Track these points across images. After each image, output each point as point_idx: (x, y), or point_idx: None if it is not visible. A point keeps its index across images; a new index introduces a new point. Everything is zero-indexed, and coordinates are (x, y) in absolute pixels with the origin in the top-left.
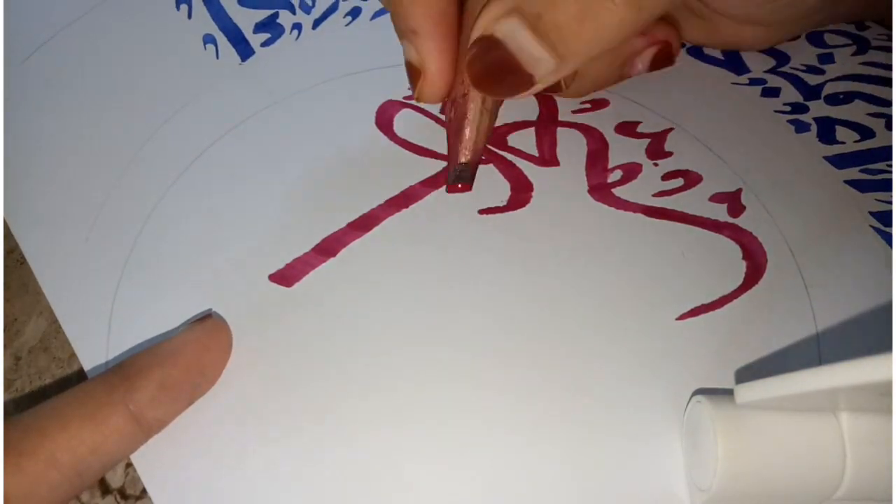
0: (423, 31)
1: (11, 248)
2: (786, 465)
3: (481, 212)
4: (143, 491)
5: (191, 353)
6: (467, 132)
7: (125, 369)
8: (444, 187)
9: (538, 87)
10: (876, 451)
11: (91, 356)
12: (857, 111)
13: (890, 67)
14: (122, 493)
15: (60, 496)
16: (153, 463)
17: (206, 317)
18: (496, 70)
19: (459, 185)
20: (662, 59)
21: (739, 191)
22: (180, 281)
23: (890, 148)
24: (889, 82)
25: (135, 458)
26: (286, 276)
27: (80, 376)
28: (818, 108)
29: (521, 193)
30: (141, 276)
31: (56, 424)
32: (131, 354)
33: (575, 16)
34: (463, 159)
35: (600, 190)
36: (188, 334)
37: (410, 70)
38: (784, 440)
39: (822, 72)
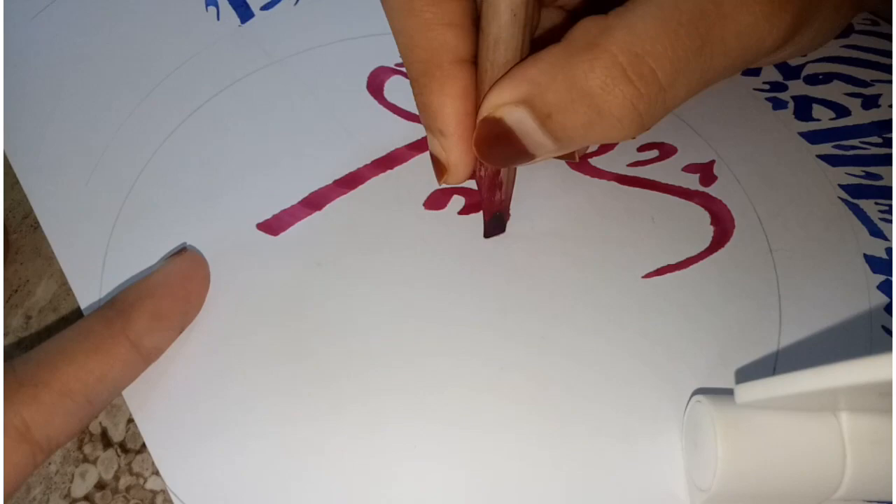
0: (449, 133)
1: (26, 214)
2: (786, 465)
3: None
4: (143, 445)
5: (176, 284)
6: (500, 189)
7: (119, 304)
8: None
9: (538, 161)
10: (876, 451)
11: (86, 292)
12: (834, 91)
13: (872, 50)
14: (122, 446)
15: (75, 423)
16: (153, 419)
17: (183, 250)
18: (502, 147)
19: (495, 233)
20: None
21: (712, 162)
22: (172, 225)
23: (864, 125)
24: (870, 64)
25: (136, 413)
26: (273, 226)
27: (77, 315)
28: (797, 87)
29: None
30: (135, 220)
31: (64, 358)
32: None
33: (584, 123)
34: (498, 209)
35: (580, 161)
36: (170, 267)
37: (433, 162)
38: (784, 440)
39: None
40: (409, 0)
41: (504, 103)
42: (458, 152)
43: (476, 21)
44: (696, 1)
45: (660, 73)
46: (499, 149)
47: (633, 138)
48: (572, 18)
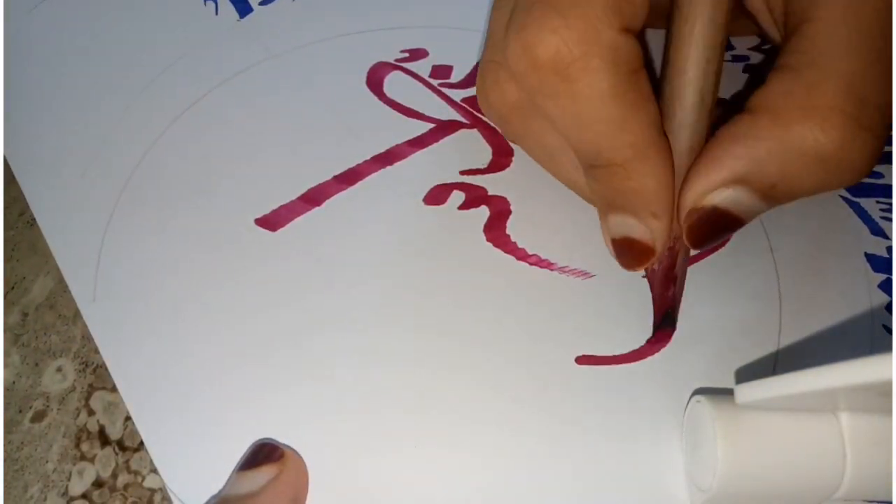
0: (662, 216)
1: (22, 211)
2: (786, 465)
3: (462, 173)
4: (141, 443)
5: None
6: (674, 283)
7: None
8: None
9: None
10: (876, 451)
11: (81, 288)
12: None
13: None
14: (120, 444)
15: None
16: (150, 416)
17: (279, 452)
18: (715, 230)
19: (666, 329)
20: None
21: None
22: (168, 220)
23: None
24: None
25: (133, 411)
26: (271, 221)
27: (83, 334)
28: None
29: (501, 158)
30: (131, 214)
31: None
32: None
33: (816, 184)
34: (670, 306)
35: None
36: (279, 488)
37: (635, 246)
38: (784, 440)
39: None
40: (615, 84)
41: (716, 188)
42: (667, 232)
43: None
44: (868, 11)
45: (879, 100)
46: (713, 231)
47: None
48: None
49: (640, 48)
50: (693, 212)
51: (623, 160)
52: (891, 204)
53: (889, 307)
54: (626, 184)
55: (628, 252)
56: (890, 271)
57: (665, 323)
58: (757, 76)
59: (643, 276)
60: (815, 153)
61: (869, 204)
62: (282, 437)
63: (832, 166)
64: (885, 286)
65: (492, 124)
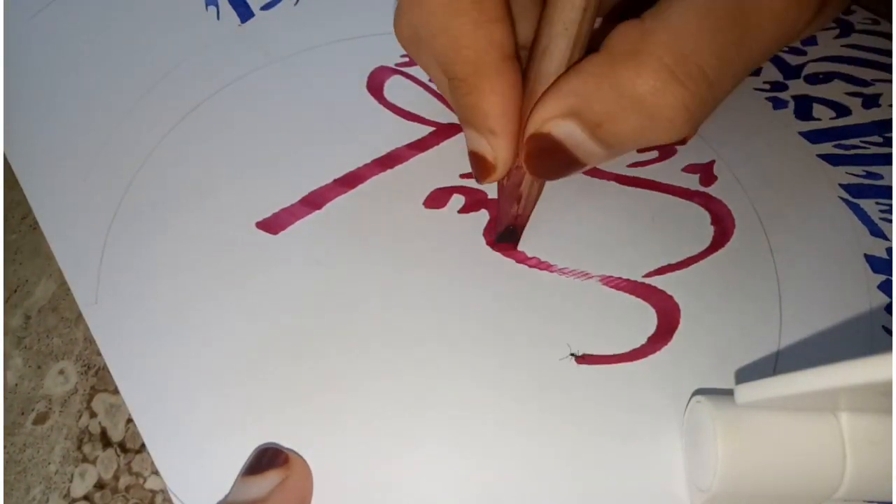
0: (500, 132)
1: (25, 214)
2: (786, 465)
3: (462, 176)
4: (142, 445)
5: None
6: (520, 201)
7: None
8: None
9: (586, 168)
10: (876, 451)
11: (83, 290)
12: (835, 90)
13: (872, 50)
14: (122, 446)
15: None
16: (152, 418)
17: (285, 458)
18: (552, 161)
19: (505, 244)
20: None
21: (712, 162)
22: (169, 223)
23: (864, 125)
24: (870, 63)
25: (135, 413)
26: (272, 225)
27: (86, 336)
28: (797, 87)
29: None
30: (133, 217)
31: None
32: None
33: (635, 129)
34: (512, 223)
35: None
36: (287, 494)
37: (479, 160)
38: (784, 440)
39: (804, 52)
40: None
41: (551, 117)
42: (507, 151)
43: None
44: None
45: (707, 69)
46: (549, 161)
47: (684, 137)
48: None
49: None
50: (532, 137)
51: (464, 75)
52: (890, 205)
53: (888, 308)
54: (467, 98)
55: (474, 165)
56: (889, 272)
57: (505, 237)
58: None
59: None
60: (630, 94)
61: (868, 205)
62: (282, 440)
63: (646, 112)
64: (885, 287)
65: None
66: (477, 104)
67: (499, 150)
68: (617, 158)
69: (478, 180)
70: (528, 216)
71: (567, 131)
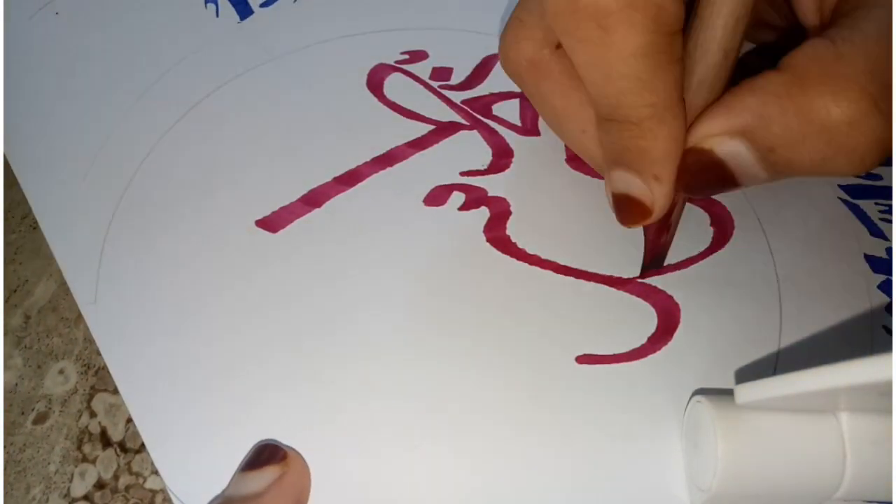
0: (667, 180)
1: (25, 214)
2: (786, 465)
3: (462, 174)
4: (142, 445)
5: None
6: (668, 231)
7: None
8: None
9: (740, 189)
10: (876, 451)
11: (82, 289)
12: None
13: None
14: (122, 446)
15: None
16: (151, 418)
17: (282, 454)
18: (709, 180)
19: (652, 271)
20: None
21: None
22: (169, 221)
23: None
24: None
25: (134, 413)
26: (272, 223)
27: (86, 336)
28: None
29: (501, 159)
30: (132, 216)
31: None
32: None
33: (817, 159)
34: (660, 252)
35: (578, 160)
36: (285, 489)
37: (633, 205)
38: (784, 440)
39: None
40: (650, 43)
41: (717, 133)
42: (669, 198)
43: None
44: None
45: None
46: (706, 180)
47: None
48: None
49: (683, 11)
50: (691, 152)
51: (639, 119)
52: (890, 206)
53: (889, 308)
54: (636, 142)
55: (626, 209)
56: (889, 272)
57: (652, 265)
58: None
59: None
60: (822, 122)
61: (868, 206)
62: (282, 438)
63: (835, 142)
64: (885, 287)
65: (491, 125)
66: (648, 148)
67: (660, 196)
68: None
69: (624, 223)
70: (672, 239)
71: (733, 151)
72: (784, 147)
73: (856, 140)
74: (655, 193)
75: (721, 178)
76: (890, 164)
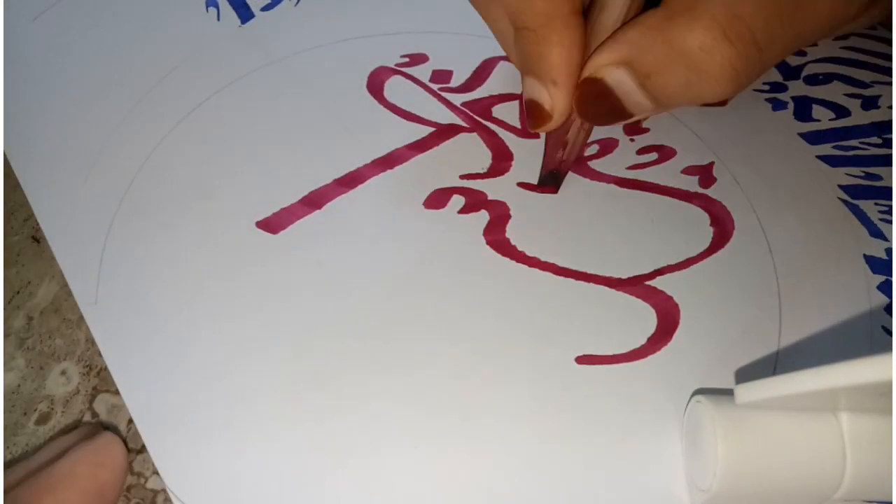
0: (561, 83)
1: (27, 216)
2: (786, 465)
3: (462, 177)
4: (144, 445)
5: (85, 475)
6: (565, 147)
7: (20, 497)
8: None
9: (633, 120)
10: (876, 451)
11: (83, 291)
12: (834, 91)
13: (870, 52)
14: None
15: None
16: (152, 419)
17: (97, 432)
18: (601, 107)
19: (547, 187)
20: None
21: (711, 164)
22: (170, 223)
23: (863, 126)
24: (868, 66)
25: (134, 413)
26: (272, 224)
27: (88, 337)
28: (797, 88)
29: (501, 162)
30: (133, 217)
31: None
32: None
33: (682, 83)
34: (556, 167)
35: (577, 162)
36: (80, 453)
37: (536, 108)
38: (784, 440)
39: (803, 53)
40: None
41: (606, 64)
42: (565, 102)
43: None
44: None
45: (758, 34)
46: (598, 107)
47: (729, 99)
48: None
49: None
50: (585, 82)
51: (535, 26)
52: (889, 206)
53: (888, 308)
54: (534, 48)
55: (532, 114)
56: (889, 273)
57: (547, 180)
58: None
59: None
60: (681, 48)
61: (868, 206)
62: (282, 438)
63: (693, 66)
64: (885, 287)
65: (491, 127)
66: (543, 54)
67: (557, 101)
68: (662, 114)
69: (530, 128)
70: (571, 163)
71: (618, 79)
72: (657, 73)
73: (708, 64)
74: (554, 98)
75: (612, 107)
76: (889, 164)
